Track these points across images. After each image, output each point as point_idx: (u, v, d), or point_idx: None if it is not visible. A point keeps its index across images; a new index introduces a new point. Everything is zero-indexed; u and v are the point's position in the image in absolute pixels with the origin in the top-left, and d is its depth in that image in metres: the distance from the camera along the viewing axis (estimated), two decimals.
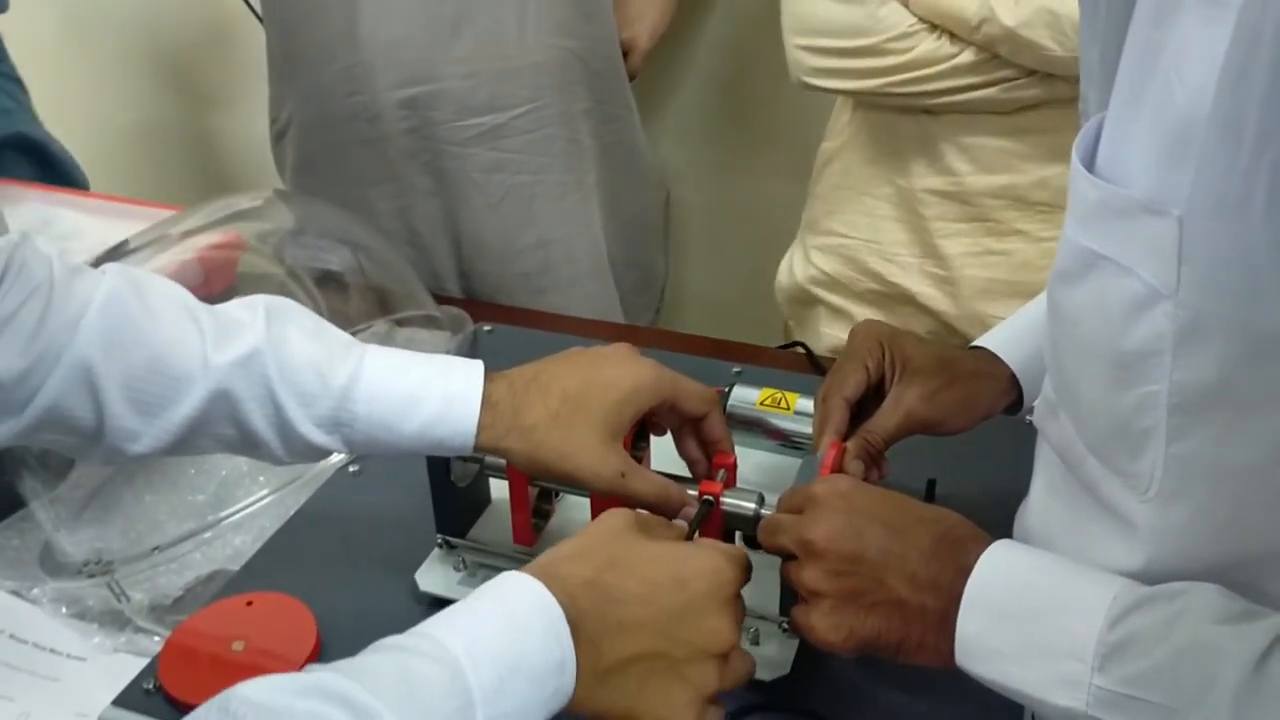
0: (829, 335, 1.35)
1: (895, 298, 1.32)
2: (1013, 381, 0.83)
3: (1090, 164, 0.55)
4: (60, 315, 0.70)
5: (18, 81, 1.71)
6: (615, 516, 0.67)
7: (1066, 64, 1.10)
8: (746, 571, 0.68)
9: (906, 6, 1.16)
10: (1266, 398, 0.51)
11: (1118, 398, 0.56)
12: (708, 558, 0.66)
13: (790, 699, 0.78)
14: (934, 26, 1.15)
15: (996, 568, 0.62)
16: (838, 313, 1.36)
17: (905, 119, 1.24)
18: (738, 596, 0.67)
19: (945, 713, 0.76)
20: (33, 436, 0.73)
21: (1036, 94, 1.15)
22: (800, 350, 1.26)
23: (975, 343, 0.87)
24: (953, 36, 1.15)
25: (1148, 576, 0.58)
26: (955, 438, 0.84)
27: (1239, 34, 0.45)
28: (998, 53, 1.13)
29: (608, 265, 1.52)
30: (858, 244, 1.32)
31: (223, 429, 0.74)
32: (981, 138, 1.20)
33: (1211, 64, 0.46)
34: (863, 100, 1.27)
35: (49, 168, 1.68)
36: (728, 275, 2.01)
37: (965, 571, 0.63)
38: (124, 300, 0.72)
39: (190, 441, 0.74)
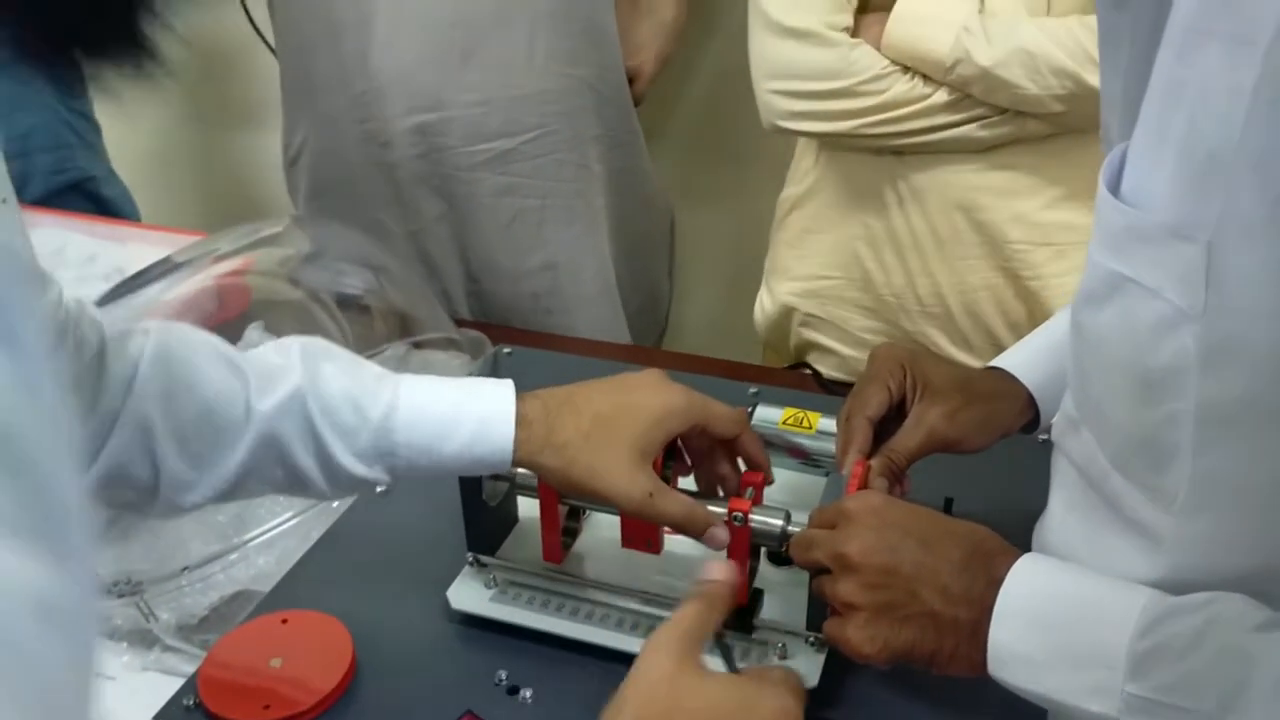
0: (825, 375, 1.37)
1: (887, 333, 1.34)
2: (1030, 401, 0.85)
3: (1115, 190, 0.57)
4: (114, 378, 0.72)
5: (88, 119, 1.74)
6: (659, 655, 0.62)
7: (1041, 102, 1.13)
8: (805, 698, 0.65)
9: (878, 49, 1.18)
10: None
11: (1144, 414, 0.58)
12: (774, 698, 0.62)
13: (817, 712, 0.80)
14: (906, 68, 1.17)
15: (1026, 579, 0.65)
16: (828, 352, 1.38)
17: (874, 160, 1.25)
18: None
19: None
20: (94, 497, 0.74)
21: (1009, 131, 1.18)
22: (807, 372, 1.29)
23: (992, 363, 0.89)
24: (926, 78, 1.17)
25: (1171, 588, 0.60)
26: (971, 456, 0.87)
27: (1268, 69, 0.48)
28: (971, 92, 1.16)
29: (615, 287, 1.54)
30: (841, 283, 1.33)
31: (271, 471, 0.76)
32: (953, 177, 1.22)
33: (1239, 97, 0.49)
34: (829, 143, 1.29)
35: (104, 209, 1.71)
36: (727, 296, 2.03)
37: (996, 583, 0.65)
38: (170, 357, 0.74)
39: (242, 486, 0.76)
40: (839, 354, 1.35)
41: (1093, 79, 1.09)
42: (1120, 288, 0.57)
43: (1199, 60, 0.51)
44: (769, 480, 0.86)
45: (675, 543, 0.87)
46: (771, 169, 1.69)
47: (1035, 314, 1.25)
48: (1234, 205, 0.50)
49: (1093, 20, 1.02)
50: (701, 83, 1.91)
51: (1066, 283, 1.22)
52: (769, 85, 1.23)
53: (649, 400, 0.80)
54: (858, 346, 1.35)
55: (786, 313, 1.39)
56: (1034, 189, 1.21)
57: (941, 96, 1.16)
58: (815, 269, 1.34)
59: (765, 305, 1.42)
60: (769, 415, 0.94)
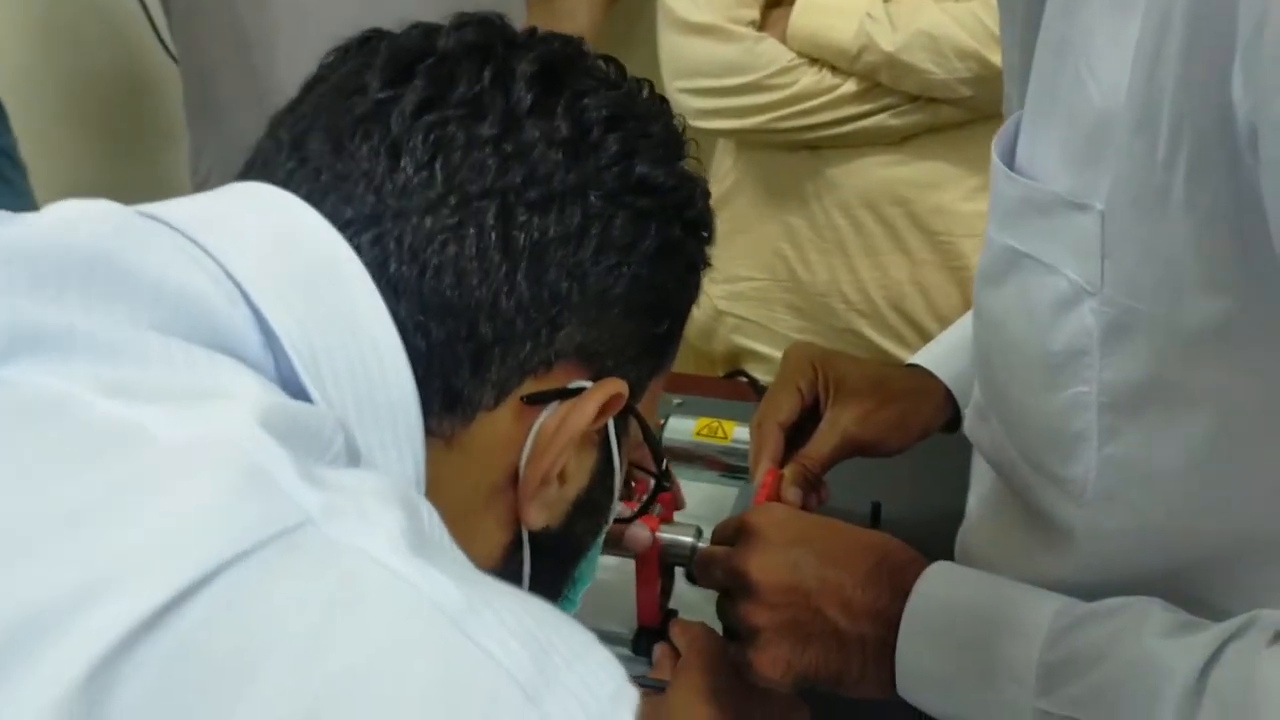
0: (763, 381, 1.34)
1: (817, 333, 1.30)
2: (948, 397, 0.81)
3: (1010, 162, 0.54)
4: None
5: (10, 157, 1.69)
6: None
7: (948, 85, 1.12)
8: None
9: (783, 42, 1.16)
10: (1194, 395, 0.50)
11: (1047, 400, 0.54)
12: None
13: None
14: (813, 60, 1.15)
15: (934, 591, 0.60)
16: (760, 358, 1.34)
17: (790, 156, 1.23)
18: None
19: None
20: None
21: (922, 119, 1.16)
22: (742, 380, 1.25)
23: (910, 360, 0.85)
24: (834, 68, 1.15)
25: (1084, 585, 0.57)
26: (899, 459, 0.82)
27: (1148, 22, 0.44)
28: (879, 80, 1.13)
29: None
30: (768, 284, 1.30)
31: None
32: (870, 170, 1.20)
33: (1124, 55, 0.45)
34: (745, 140, 1.26)
35: None
36: None
37: (904, 596, 0.60)
38: None
39: None
40: (770, 358, 1.31)
41: (998, 59, 1.06)
42: (1017, 264, 0.53)
43: (1083, 16, 0.48)
44: (675, 497, 0.81)
45: None
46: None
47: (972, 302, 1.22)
48: (1123, 169, 0.47)
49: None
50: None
51: None
52: (677, 84, 1.21)
53: None
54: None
55: (715, 317, 1.34)
56: (953, 179, 1.18)
57: (850, 86, 1.14)
58: (741, 270, 1.30)
59: (693, 311, 1.38)
60: (683, 426, 0.90)
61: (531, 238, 0.44)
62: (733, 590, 0.66)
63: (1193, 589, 0.54)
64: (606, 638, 0.80)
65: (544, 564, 0.51)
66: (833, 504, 0.81)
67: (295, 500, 0.32)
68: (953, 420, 0.82)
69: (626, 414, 0.50)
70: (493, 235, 0.43)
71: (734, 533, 0.68)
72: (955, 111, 1.14)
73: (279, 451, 0.33)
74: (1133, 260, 0.48)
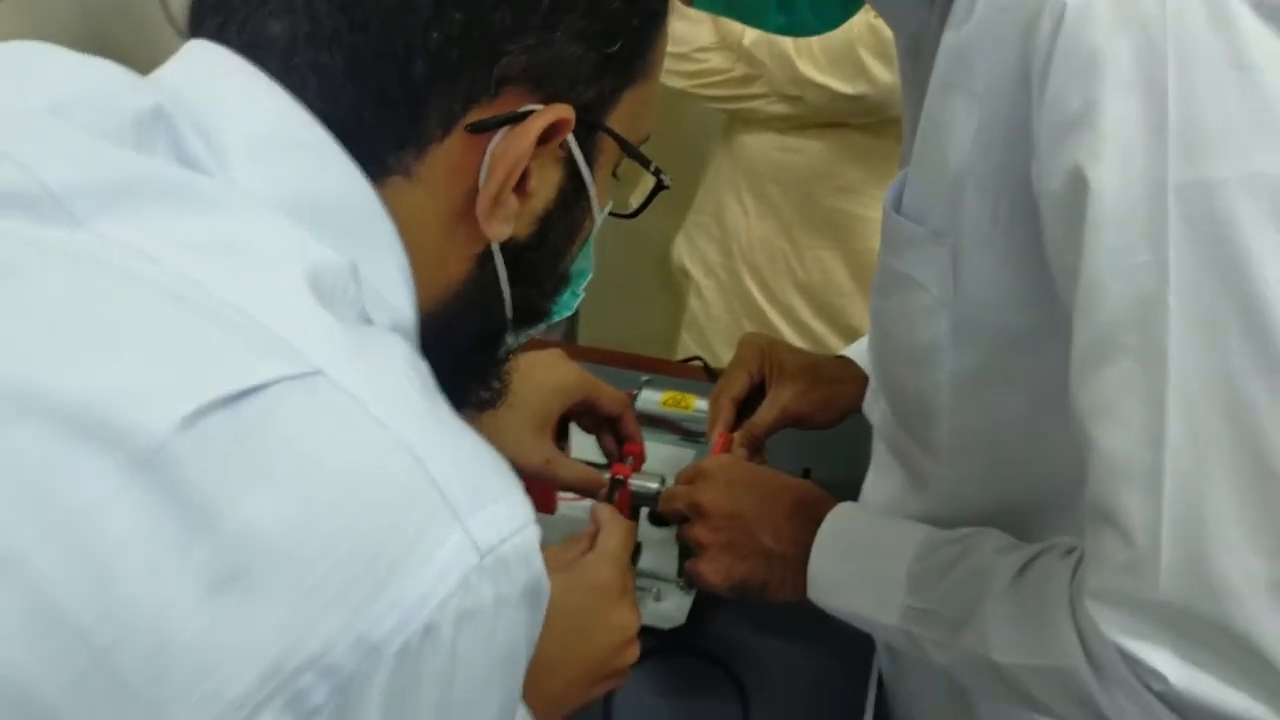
0: (694, 306, 1.60)
1: (725, 267, 1.55)
2: (868, 384, 1.01)
3: (898, 205, 0.71)
4: None
5: None
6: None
7: (783, 86, 1.34)
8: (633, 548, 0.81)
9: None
10: (1014, 381, 0.68)
11: (916, 383, 0.72)
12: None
13: (686, 644, 0.94)
14: (729, 46, 1.39)
15: (838, 522, 0.80)
16: (693, 283, 1.59)
17: (738, 125, 1.47)
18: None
19: (809, 649, 0.93)
20: None
21: (782, 110, 1.38)
22: (697, 363, 1.44)
23: (840, 352, 1.05)
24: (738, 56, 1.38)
25: (938, 520, 0.76)
26: (826, 433, 1.01)
27: (983, 115, 0.61)
28: (752, 70, 1.37)
29: None
30: (709, 220, 1.57)
31: None
32: (761, 146, 1.44)
33: (970, 134, 0.62)
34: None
35: None
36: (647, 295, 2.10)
37: (816, 526, 0.80)
38: None
39: None
40: (695, 281, 1.56)
41: (812, 73, 1.30)
42: (899, 281, 0.70)
43: (948, 104, 0.64)
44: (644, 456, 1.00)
45: (567, 507, 1.01)
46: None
47: (832, 278, 1.47)
48: (968, 216, 0.64)
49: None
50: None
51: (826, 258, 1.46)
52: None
53: (545, 375, 0.94)
54: (710, 275, 1.58)
55: (684, 235, 1.60)
56: (823, 175, 1.41)
57: (738, 72, 1.38)
58: (705, 203, 1.57)
59: (680, 239, 1.64)
60: (652, 397, 1.09)
61: None
62: (689, 517, 0.86)
63: (1022, 526, 0.73)
64: None
65: (523, 268, 0.57)
66: (772, 466, 1.00)
67: (307, 357, 0.41)
68: None
69: (592, 131, 0.54)
70: None
71: (692, 474, 0.88)
72: (813, 111, 1.36)
73: (312, 316, 0.42)
74: (973, 281, 0.65)
